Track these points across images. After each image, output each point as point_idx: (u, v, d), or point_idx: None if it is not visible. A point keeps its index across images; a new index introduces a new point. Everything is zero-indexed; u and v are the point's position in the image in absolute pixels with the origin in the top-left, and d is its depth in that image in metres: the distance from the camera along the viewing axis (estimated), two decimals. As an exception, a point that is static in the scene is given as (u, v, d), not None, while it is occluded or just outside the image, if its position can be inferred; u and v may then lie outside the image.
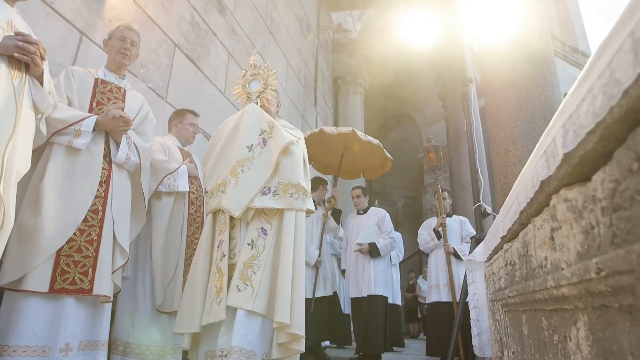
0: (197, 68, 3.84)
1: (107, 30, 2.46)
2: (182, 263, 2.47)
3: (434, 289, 3.98)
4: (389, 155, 4.17)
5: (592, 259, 0.54)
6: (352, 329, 4.30)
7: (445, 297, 3.83)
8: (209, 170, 2.16)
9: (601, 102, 0.47)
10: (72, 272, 1.83)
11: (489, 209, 2.75)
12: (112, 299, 2.03)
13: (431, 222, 4.18)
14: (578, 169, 0.59)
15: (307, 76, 7.30)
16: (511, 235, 1.16)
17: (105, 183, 2.02)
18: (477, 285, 2.12)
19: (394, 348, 5.46)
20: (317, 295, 3.77)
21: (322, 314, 3.78)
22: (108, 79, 2.21)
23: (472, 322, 2.13)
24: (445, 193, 4.18)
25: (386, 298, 3.99)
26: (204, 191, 2.63)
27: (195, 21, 3.87)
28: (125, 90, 2.26)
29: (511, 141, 3.09)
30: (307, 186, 2.06)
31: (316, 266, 3.83)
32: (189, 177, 2.59)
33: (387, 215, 4.24)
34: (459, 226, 4.07)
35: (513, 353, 1.29)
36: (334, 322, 4.00)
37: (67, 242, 1.83)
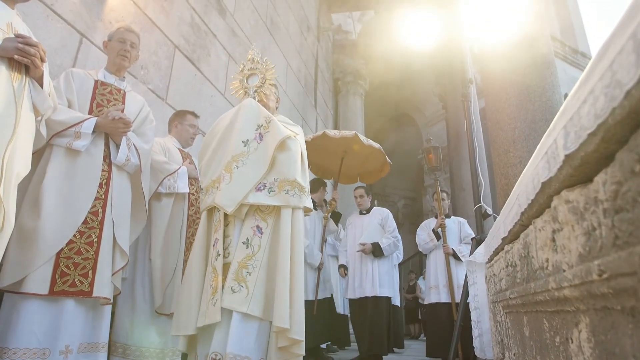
0: (197, 69, 3.84)
1: (107, 32, 2.46)
2: (182, 264, 2.46)
3: (433, 289, 3.97)
4: (389, 160, 4.14)
5: (594, 260, 0.54)
6: (350, 330, 4.30)
7: (444, 298, 3.83)
8: (204, 167, 2.08)
9: (603, 103, 0.47)
10: (72, 274, 1.82)
11: (489, 210, 2.75)
12: (112, 301, 2.02)
13: (429, 223, 4.18)
14: (579, 170, 0.59)
15: (307, 77, 7.31)
16: (512, 236, 1.16)
17: (105, 185, 2.01)
18: (478, 286, 2.12)
19: (394, 349, 5.45)
20: (318, 298, 3.76)
21: (322, 315, 3.77)
22: (108, 80, 2.21)
23: (473, 323, 2.12)
24: (444, 194, 4.18)
25: (390, 299, 3.98)
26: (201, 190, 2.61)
27: (195, 23, 3.87)
28: (125, 92, 2.25)
29: (512, 142, 3.09)
30: (305, 183, 1.97)
31: (319, 268, 3.83)
32: (188, 178, 2.59)
33: (391, 215, 4.22)
34: (458, 227, 4.07)
35: (514, 355, 1.29)
36: (332, 323, 3.99)
37: (67, 244, 1.83)
